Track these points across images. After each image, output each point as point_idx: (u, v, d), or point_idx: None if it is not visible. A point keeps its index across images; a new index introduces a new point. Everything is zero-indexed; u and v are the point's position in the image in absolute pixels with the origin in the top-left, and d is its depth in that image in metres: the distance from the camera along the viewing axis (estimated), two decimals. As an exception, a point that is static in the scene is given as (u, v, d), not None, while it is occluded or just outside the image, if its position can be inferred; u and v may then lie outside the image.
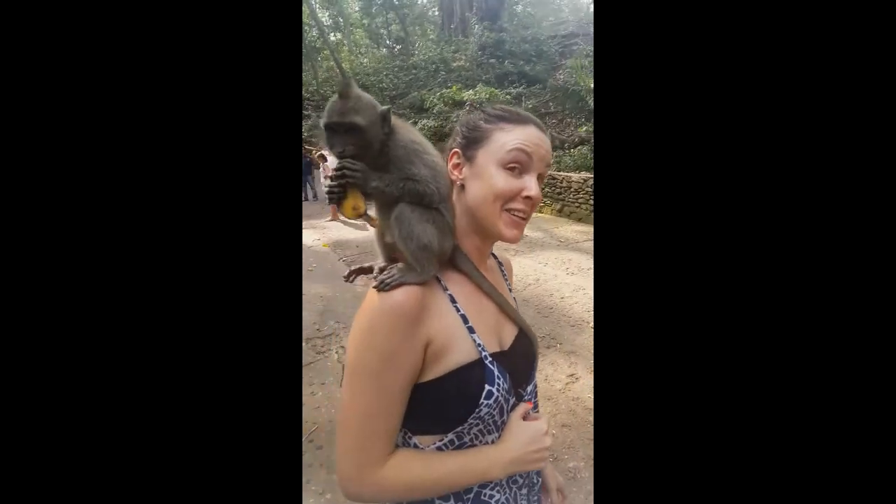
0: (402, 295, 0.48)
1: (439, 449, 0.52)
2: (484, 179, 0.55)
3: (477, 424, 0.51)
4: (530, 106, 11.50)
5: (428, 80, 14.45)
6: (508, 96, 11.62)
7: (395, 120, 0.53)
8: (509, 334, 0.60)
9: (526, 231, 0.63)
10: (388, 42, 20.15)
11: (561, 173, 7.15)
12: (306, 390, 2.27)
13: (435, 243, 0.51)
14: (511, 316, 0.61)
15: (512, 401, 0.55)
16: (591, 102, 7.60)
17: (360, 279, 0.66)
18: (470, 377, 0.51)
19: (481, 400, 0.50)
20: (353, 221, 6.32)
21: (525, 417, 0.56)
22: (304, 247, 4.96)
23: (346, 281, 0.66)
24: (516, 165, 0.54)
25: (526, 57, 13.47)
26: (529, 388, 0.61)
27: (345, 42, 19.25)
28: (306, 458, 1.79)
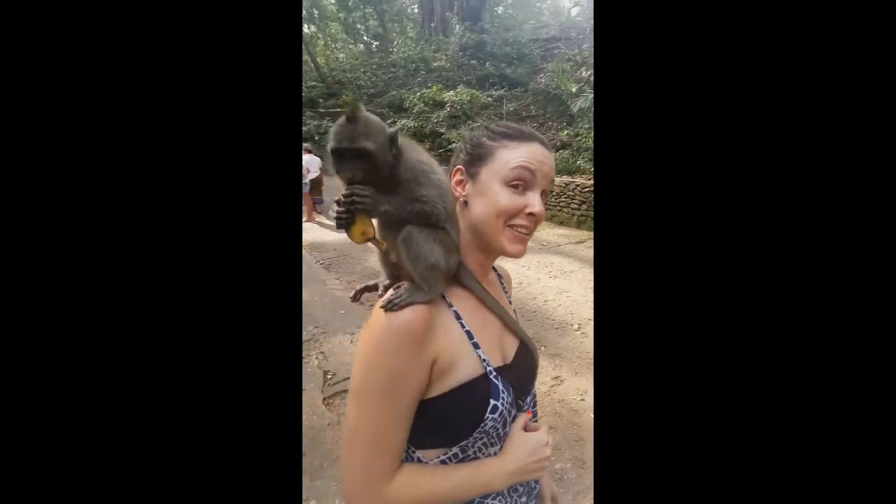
0: (409, 314, 0.48)
1: (443, 462, 0.52)
2: (487, 197, 0.55)
3: (481, 438, 0.52)
4: (511, 109, 11.63)
5: (407, 80, 14.35)
6: (490, 98, 11.70)
7: (400, 139, 0.53)
8: (511, 347, 0.60)
9: None
10: (365, 38, 19.88)
11: (542, 176, 7.26)
12: (288, 397, 2.22)
13: (442, 262, 0.51)
14: (513, 329, 0.61)
15: (514, 412, 0.56)
16: (571, 106, 7.72)
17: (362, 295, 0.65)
18: (475, 392, 0.51)
19: (486, 414, 0.50)
20: (330, 223, 6.22)
21: (525, 428, 0.57)
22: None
23: (353, 301, 0.65)
24: (520, 183, 0.55)
25: (507, 59, 13.59)
26: (528, 399, 0.62)
27: (320, 36, 18.81)
28: (290, 466, 1.76)
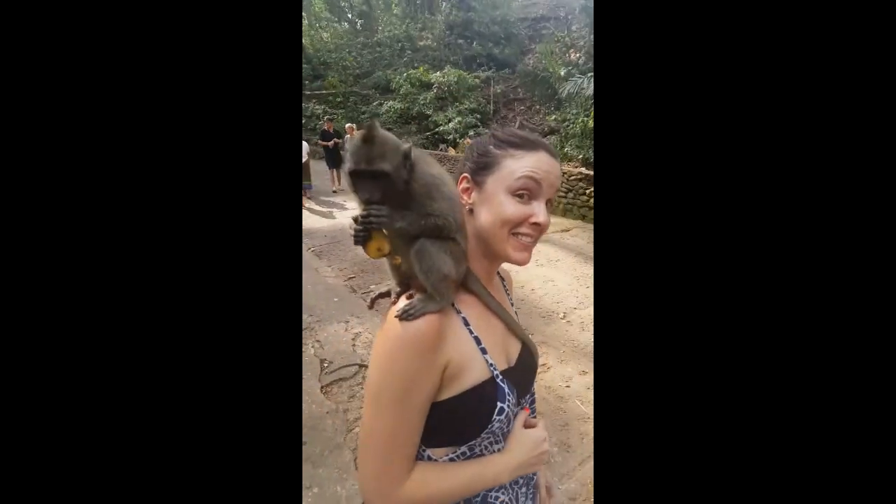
0: (423, 324, 0.50)
1: (452, 460, 0.56)
2: (493, 206, 0.57)
3: (488, 437, 0.55)
4: (499, 91, 11.46)
5: (393, 59, 13.98)
6: (477, 80, 11.51)
7: (413, 153, 0.53)
8: (514, 350, 0.63)
9: None
10: (349, 16, 19.16)
11: (530, 162, 7.22)
12: (284, 386, 2.25)
13: (453, 272, 0.53)
14: (516, 332, 0.64)
15: (517, 411, 0.59)
16: (560, 91, 7.63)
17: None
18: (483, 395, 0.54)
19: (494, 417, 0.54)
20: (319, 209, 6.17)
21: (525, 424, 0.61)
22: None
23: (370, 308, 0.67)
24: (525, 192, 0.56)
25: (495, 39, 13.30)
26: (528, 396, 0.66)
27: (304, 14, 18.11)
28: (291, 454, 1.81)
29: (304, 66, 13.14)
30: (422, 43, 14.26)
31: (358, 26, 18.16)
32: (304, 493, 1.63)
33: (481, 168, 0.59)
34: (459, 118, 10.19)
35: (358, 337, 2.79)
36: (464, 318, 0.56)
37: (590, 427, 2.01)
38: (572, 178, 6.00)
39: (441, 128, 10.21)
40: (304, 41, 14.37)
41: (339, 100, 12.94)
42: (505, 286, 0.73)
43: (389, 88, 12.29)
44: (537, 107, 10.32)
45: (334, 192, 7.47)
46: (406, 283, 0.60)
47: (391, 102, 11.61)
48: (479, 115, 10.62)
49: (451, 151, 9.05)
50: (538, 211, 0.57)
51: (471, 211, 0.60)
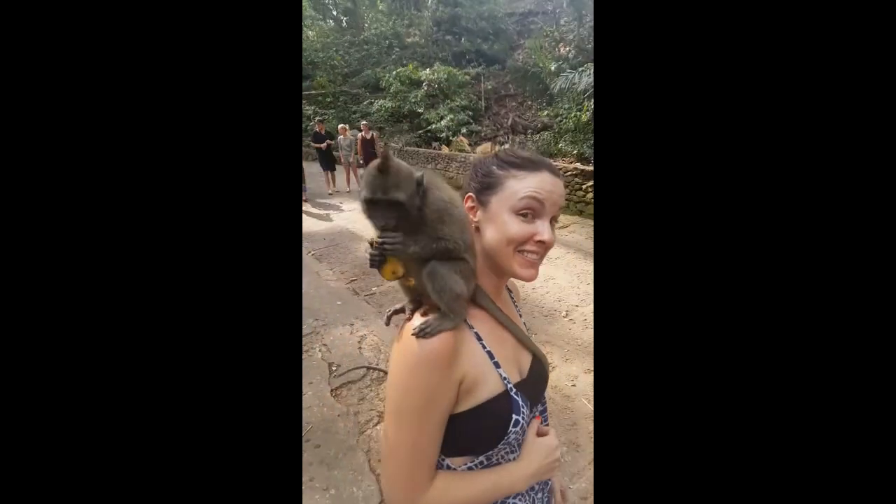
0: (438, 342, 0.53)
1: (470, 468, 0.59)
2: (497, 225, 0.60)
3: (504, 448, 0.59)
4: (489, 87, 11.42)
5: (381, 57, 13.86)
6: (467, 77, 11.46)
7: (426, 178, 0.55)
8: (526, 362, 0.66)
9: None
10: (334, 13, 18.95)
11: (525, 159, 7.22)
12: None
13: (465, 291, 0.56)
14: (526, 344, 0.67)
15: (530, 419, 0.63)
16: (552, 87, 7.62)
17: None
18: (498, 408, 0.57)
19: (510, 429, 0.57)
20: (315, 212, 6.17)
21: (538, 433, 0.64)
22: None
23: (386, 325, 0.69)
24: (528, 212, 0.59)
25: (483, 35, 13.23)
26: (539, 406, 0.69)
27: (290, 13, 17.81)
28: (306, 457, 1.84)
29: (293, 66, 13.02)
30: (410, 40, 14.15)
31: (343, 24, 17.97)
32: (322, 494, 1.67)
33: (485, 188, 0.61)
34: (451, 116, 10.14)
35: (364, 339, 2.81)
36: (476, 334, 0.59)
37: (596, 423, 2.04)
38: (568, 173, 5.98)
39: (433, 126, 10.17)
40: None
41: (328, 100, 12.83)
42: (513, 298, 0.76)
43: (379, 87, 12.20)
44: (529, 102, 10.29)
45: (330, 194, 7.45)
46: (418, 299, 0.63)
47: (382, 101, 11.53)
48: (470, 112, 10.57)
49: (444, 149, 9.03)
50: (542, 229, 0.59)
51: (477, 229, 0.62)
